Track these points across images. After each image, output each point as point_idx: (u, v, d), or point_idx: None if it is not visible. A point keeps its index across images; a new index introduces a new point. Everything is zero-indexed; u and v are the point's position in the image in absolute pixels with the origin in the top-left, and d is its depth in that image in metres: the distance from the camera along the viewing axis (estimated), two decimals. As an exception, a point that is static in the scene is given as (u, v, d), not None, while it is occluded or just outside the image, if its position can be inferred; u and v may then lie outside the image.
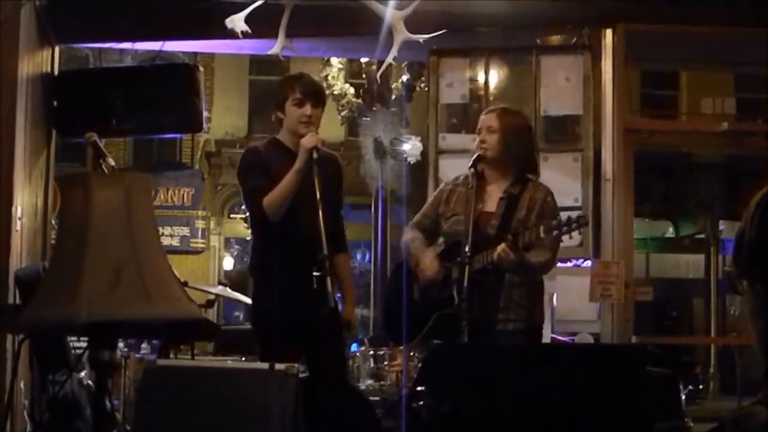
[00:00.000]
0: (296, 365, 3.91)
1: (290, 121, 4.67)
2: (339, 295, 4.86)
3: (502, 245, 4.53)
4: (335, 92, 14.64)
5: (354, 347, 7.50)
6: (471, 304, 4.53)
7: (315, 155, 4.50)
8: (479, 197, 4.79)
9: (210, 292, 7.15)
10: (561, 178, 7.05)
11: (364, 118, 14.46)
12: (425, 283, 4.83)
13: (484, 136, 4.82)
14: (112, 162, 4.66)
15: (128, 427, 5.96)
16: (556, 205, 4.83)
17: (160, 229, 4.18)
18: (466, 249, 4.58)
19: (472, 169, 4.80)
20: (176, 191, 18.39)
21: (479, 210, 4.76)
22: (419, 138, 13.03)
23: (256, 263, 4.84)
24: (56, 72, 7.25)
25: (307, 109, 4.63)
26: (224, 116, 19.10)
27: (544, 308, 4.95)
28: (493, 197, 4.79)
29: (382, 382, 6.83)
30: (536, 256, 4.63)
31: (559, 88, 7.49)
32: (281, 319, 4.53)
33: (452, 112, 8.06)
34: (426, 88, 8.68)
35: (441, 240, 5.00)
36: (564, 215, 4.64)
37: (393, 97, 14.39)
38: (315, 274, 4.29)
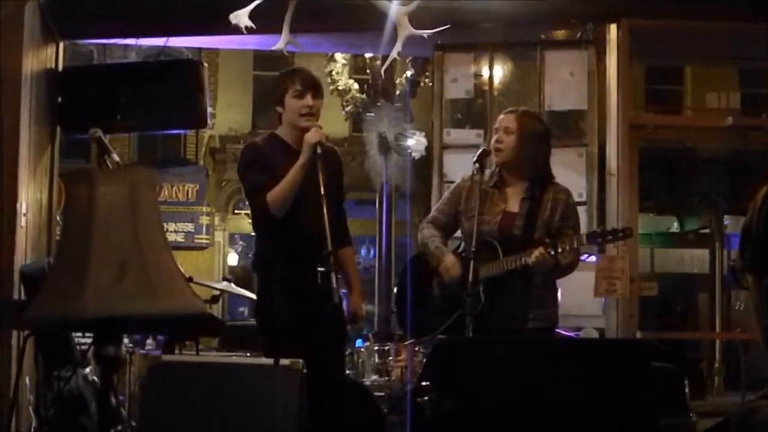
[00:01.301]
0: (300, 361, 3.91)
1: (291, 114, 4.64)
2: (344, 290, 4.86)
3: (540, 249, 4.54)
4: (339, 88, 14.61)
5: (359, 343, 7.51)
6: (492, 303, 4.57)
7: (319, 150, 4.49)
8: (501, 198, 4.79)
9: (215, 288, 7.16)
10: (566, 173, 7.01)
11: (368, 114, 14.43)
12: (449, 282, 4.79)
13: (501, 136, 4.78)
14: (116, 158, 4.68)
15: (133, 423, 5.97)
16: (575, 205, 4.86)
17: (165, 225, 4.18)
18: (472, 245, 4.59)
19: (477, 164, 4.78)
20: (181, 187, 18.39)
21: (502, 210, 4.76)
22: (423, 133, 13.01)
23: (259, 260, 4.81)
24: (60, 68, 7.25)
25: (308, 100, 4.61)
26: (228, 112, 19.09)
27: (558, 306, 4.96)
28: (515, 197, 4.78)
29: (386, 378, 6.85)
30: (564, 258, 4.65)
31: (563, 83, 7.48)
32: (286, 315, 4.53)
33: (456, 107, 8.06)
34: (430, 84, 8.66)
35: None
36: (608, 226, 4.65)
37: (397, 92, 14.35)
38: (320, 269, 4.28)
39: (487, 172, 4.86)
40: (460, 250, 4.90)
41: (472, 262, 4.55)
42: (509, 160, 4.77)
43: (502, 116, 4.89)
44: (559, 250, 4.55)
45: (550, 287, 4.83)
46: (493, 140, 4.85)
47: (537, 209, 4.72)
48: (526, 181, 4.78)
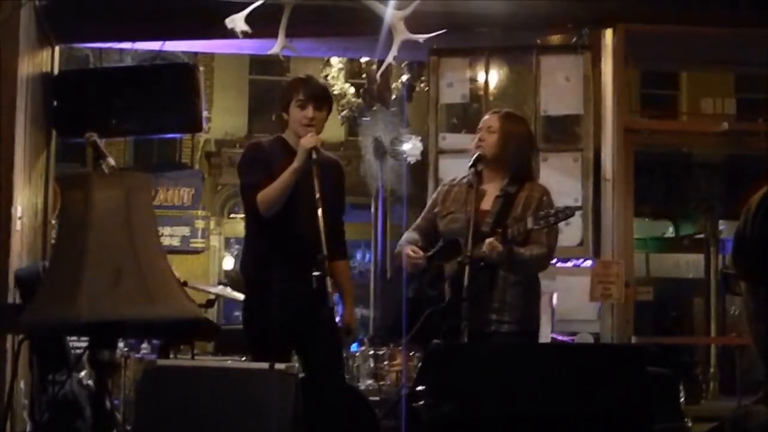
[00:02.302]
0: (296, 365, 3.91)
1: (292, 123, 4.70)
2: (337, 296, 4.86)
3: (490, 239, 4.54)
4: (335, 92, 14.62)
5: (354, 347, 7.51)
6: (455, 303, 4.55)
7: (314, 155, 4.50)
8: (477, 196, 4.80)
9: (210, 292, 7.16)
10: (561, 178, 7.05)
11: (364, 118, 14.46)
12: (412, 269, 4.83)
13: (483, 134, 4.85)
14: (112, 162, 4.67)
15: (128, 427, 5.96)
16: (552, 203, 4.82)
17: (160, 229, 4.18)
18: (468, 248, 4.58)
19: (473, 169, 4.80)
20: (176, 191, 18.36)
21: (477, 208, 4.77)
22: (419, 138, 13.03)
23: (251, 263, 4.80)
24: (56, 72, 7.25)
25: (309, 112, 4.64)
26: (224, 116, 19.09)
27: (540, 311, 4.92)
28: (490, 195, 4.81)
29: (381, 382, 6.85)
30: (529, 250, 4.63)
31: (559, 87, 7.48)
32: (280, 319, 4.52)
33: (452, 111, 8.06)
34: (426, 88, 8.68)
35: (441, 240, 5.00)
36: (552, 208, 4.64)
37: (393, 96, 14.39)
38: (315, 274, 4.29)
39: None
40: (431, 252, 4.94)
41: (466, 267, 4.55)
42: (488, 158, 4.80)
43: (486, 116, 4.97)
44: (509, 237, 4.54)
45: (527, 288, 4.78)
46: (475, 138, 4.89)
47: (509, 207, 4.74)
48: (505, 179, 4.81)
